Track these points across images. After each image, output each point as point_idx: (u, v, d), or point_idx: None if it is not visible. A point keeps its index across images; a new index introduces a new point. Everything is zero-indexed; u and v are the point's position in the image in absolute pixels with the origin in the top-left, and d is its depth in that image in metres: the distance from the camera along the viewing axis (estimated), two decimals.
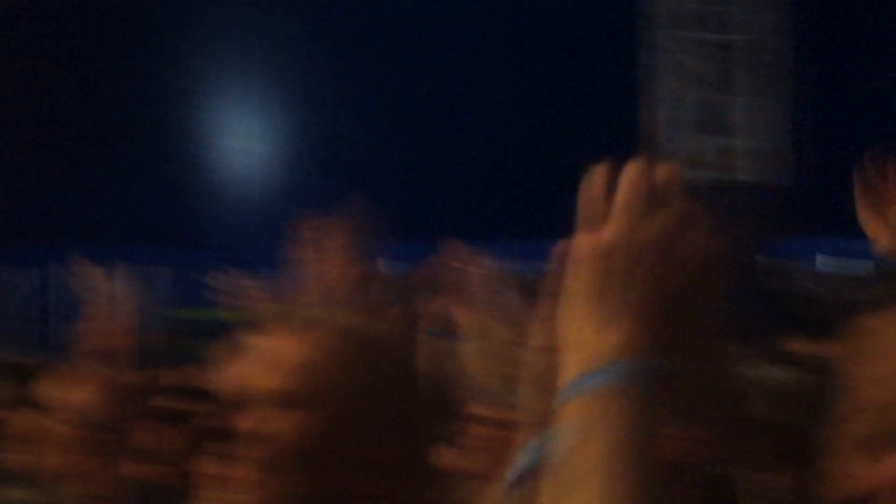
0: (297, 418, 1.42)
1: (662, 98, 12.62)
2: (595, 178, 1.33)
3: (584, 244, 1.31)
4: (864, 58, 13.12)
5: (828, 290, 9.32)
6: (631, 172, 1.32)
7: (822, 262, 11.68)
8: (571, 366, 1.28)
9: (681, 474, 1.79)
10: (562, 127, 14.08)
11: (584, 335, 1.29)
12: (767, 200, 11.92)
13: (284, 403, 1.42)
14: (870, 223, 2.23)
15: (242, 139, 14.67)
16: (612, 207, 1.31)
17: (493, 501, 1.34)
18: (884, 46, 12.91)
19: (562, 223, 1.36)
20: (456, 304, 2.82)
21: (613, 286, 1.29)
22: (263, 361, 1.47)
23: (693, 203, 1.29)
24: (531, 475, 1.33)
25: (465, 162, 14.36)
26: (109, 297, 2.88)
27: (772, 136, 12.40)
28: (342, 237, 2.57)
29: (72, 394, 2.53)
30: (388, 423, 1.46)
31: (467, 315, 2.73)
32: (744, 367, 2.16)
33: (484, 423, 2.28)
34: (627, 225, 1.30)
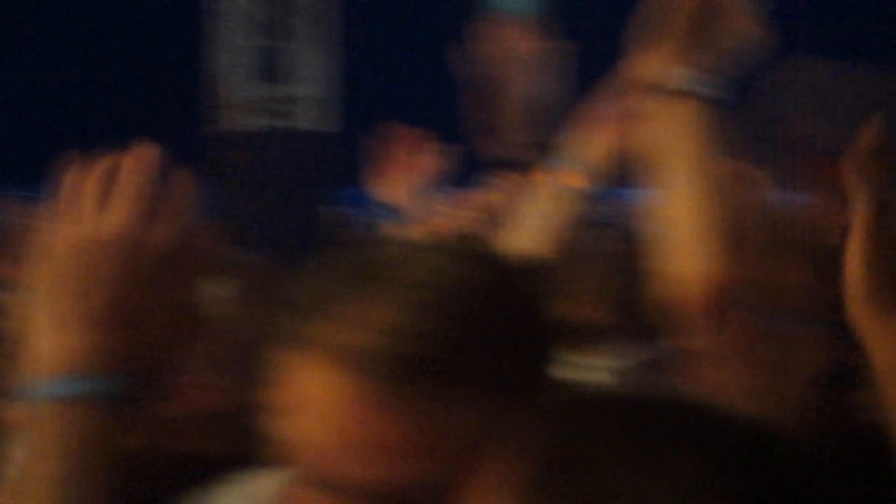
0: None
1: (221, 45, 12.55)
2: (84, 168, 1.23)
3: (62, 235, 1.20)
4: (415, 7, 13.59)
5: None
6: (114, 165, 1.21)
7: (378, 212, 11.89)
8: (33, 365, 1.18)
9: (214, 423, 1.83)
10: (119, 74, 13.68)
11: (50, 335, 1.18)
12: (324, 148, 12.14)
13: None
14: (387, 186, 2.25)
15: None
16: (96, 200, 1.19)
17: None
18: None
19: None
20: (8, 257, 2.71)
21: (83, 286, 1.18)
22: None
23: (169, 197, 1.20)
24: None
25: (17, 111, 13.68)
26: None
27: (327, 84, 12.63)
28: None
29: None
30: None
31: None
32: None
33: None
34: (117, 218, 1.19)
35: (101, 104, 13.63)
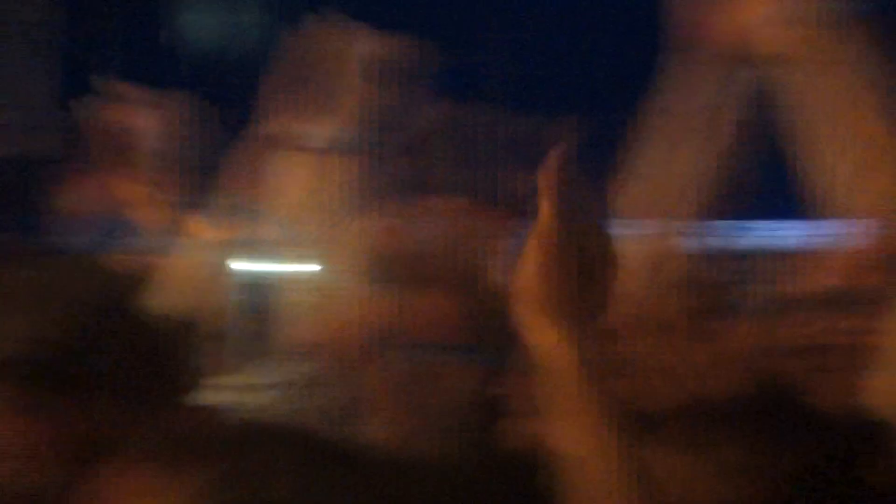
0: None
1: None
2: None
3: None
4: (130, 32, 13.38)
5: None
6: None
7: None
8: None
9: None
10: None
11: None
12: (43, 175, 11.80)
13: None
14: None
15: None
16: None
17: None
18: (148, 18, 13.24)
19: None
20: None
21: None
22: None
23: None
24: None
25: None
26: None
27: (44, 110, 12.29)
28: None
29: None
30: None
31: None
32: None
33: None
34: None
35: None
